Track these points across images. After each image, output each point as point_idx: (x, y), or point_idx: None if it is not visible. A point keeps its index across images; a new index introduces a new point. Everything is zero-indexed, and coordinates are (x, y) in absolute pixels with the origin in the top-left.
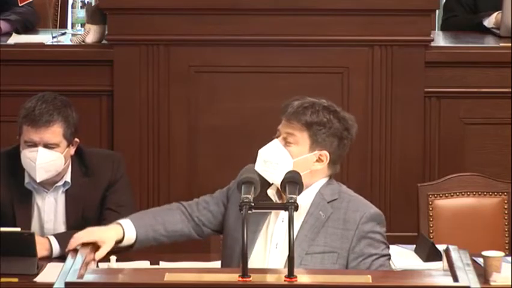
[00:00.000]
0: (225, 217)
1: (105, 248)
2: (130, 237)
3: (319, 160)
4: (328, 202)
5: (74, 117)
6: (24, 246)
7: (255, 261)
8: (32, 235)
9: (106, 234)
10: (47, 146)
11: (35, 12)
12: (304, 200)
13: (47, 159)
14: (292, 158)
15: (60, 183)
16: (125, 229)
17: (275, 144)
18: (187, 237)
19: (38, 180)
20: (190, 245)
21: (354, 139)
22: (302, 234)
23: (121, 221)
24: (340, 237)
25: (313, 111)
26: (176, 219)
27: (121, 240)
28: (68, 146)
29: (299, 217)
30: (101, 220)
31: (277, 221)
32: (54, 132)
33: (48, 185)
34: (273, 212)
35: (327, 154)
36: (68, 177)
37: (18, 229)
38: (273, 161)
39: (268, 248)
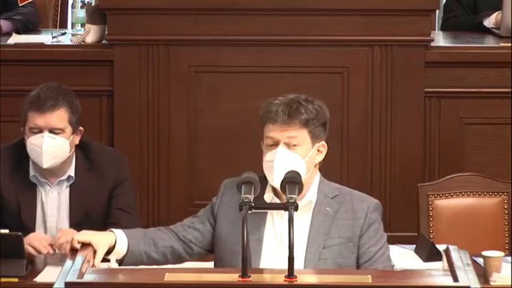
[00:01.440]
0: (215, 234)
1: (100, 253)
2: (122, 247)
3: (319, 152)
4: (331, 198)
5: (78, 104)
6: (12, 248)
7: (267, 265)
8: (20, 237)
9: (100, 238)
10: (52, 131)
11: (37, 12)
12: (311, 196)
13: (53, 144)
14: (302, 158)
15: (64, 177)
16: (117, 237)
17: (284, 152)
18: (178, 256)
19: (44, 166)
20: None
21: None
22: (314, 231)
23: (113, 229)
24: (351, 227)
25: (305, 108)
26: (165, 236)
27: (112, 247)
28: (73, 133)
29: (307, 215)
30: (109, 220)
31: (283, 222)
32: (60, 116)
33: (52, 178)
34: (276, 214)
35: (325, 144)
36: (72, 172)
37: (6, 231)
38: (290, 168)
39: (281, 250)
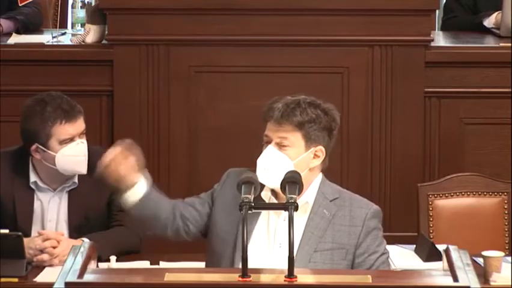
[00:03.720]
0: (210, 220)
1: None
2: (143, 185)
3: (315, 156)
4: (330, 201)
5: None
6: (12, 248)
7: (256, 261)
8: (20, 237)
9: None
10: (80, 135)
11: (40, 13)
12: (308, 198)
13: (86, 148)
14: (291, 160)
15: (68, 183)
16: (144, 176)
17: (271, 151)
18: (176, 229)
19: (85, 173)
20: (190, 245)
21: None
22: (308, 232)
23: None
24: (347, 233)
25: (301, 110)
26: (172, 204)
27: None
28: None
29: (303, 215)
30: (112, 222)
31: (279, 220)
32: (83, 120)
33: (56, 184)
34: (273, 211)
35: (323, 149)
36: (75, 178)
37: (6, 231)
38: (274, 167)
39: (272, 248)
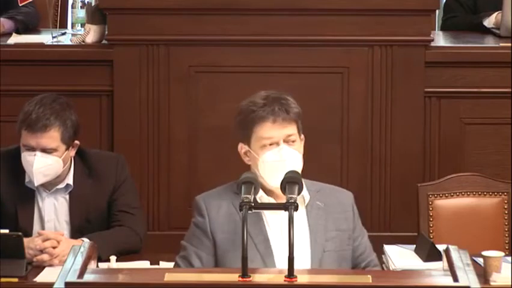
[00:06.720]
0: (219, 252)
1: None
2: None
3: (302, 144)
4: (317, 192)
5: (73, 120)
6: (12, 248)
7: (281, 265)
8: (20, 237)
9: None
10: (44, 150)
11: (37, 13)
12: (303, 193)
13: (44, 163)
14: (300, 154)
15: (61, 185)
16: None
17: (289, 151)
18: None
19: (36, 184)
20: None
21: None
22: (314, 223)
23: None
24: (344, 219)
25: (290, 101)
26: None
27: None
28: (67, 149)
29: (301, 209)
30: (113, 222)
31: (282, 220)
32: (52, 137)
33: (49, 185)
34: (272, 212)
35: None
36: (70, 180)
37: (6, 231)
38: (293, 166)
39: (281, 248)
